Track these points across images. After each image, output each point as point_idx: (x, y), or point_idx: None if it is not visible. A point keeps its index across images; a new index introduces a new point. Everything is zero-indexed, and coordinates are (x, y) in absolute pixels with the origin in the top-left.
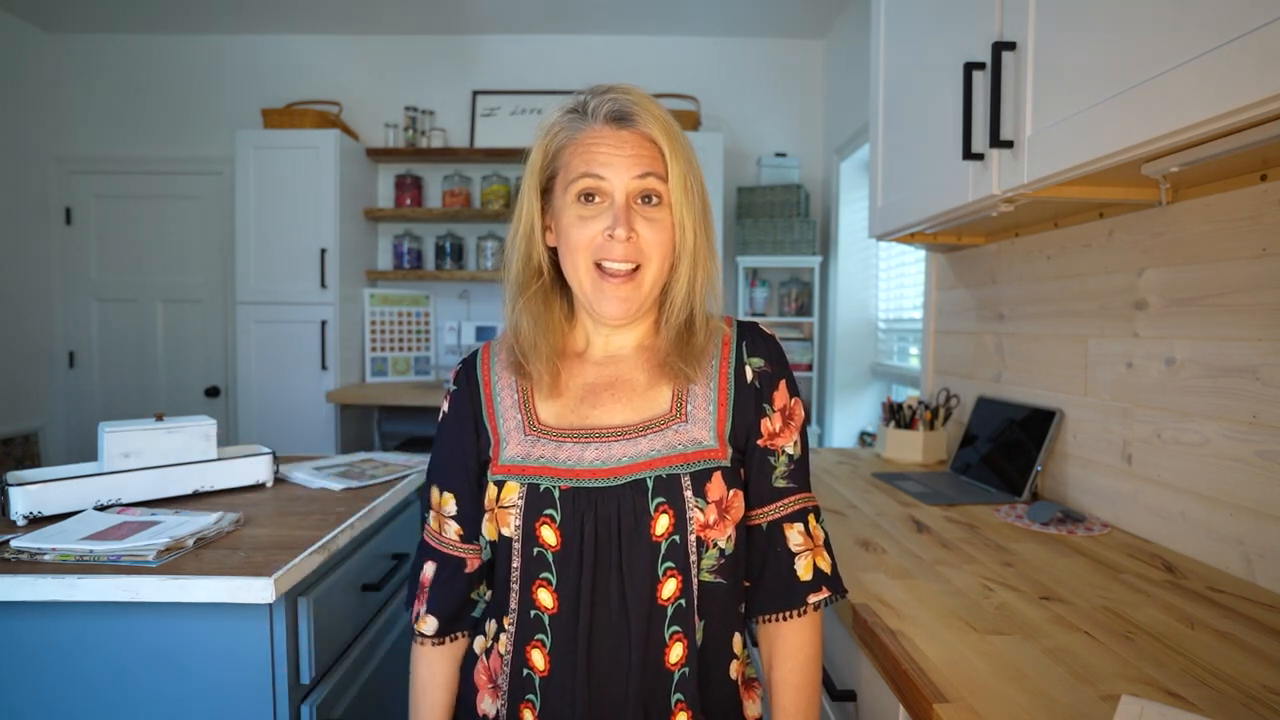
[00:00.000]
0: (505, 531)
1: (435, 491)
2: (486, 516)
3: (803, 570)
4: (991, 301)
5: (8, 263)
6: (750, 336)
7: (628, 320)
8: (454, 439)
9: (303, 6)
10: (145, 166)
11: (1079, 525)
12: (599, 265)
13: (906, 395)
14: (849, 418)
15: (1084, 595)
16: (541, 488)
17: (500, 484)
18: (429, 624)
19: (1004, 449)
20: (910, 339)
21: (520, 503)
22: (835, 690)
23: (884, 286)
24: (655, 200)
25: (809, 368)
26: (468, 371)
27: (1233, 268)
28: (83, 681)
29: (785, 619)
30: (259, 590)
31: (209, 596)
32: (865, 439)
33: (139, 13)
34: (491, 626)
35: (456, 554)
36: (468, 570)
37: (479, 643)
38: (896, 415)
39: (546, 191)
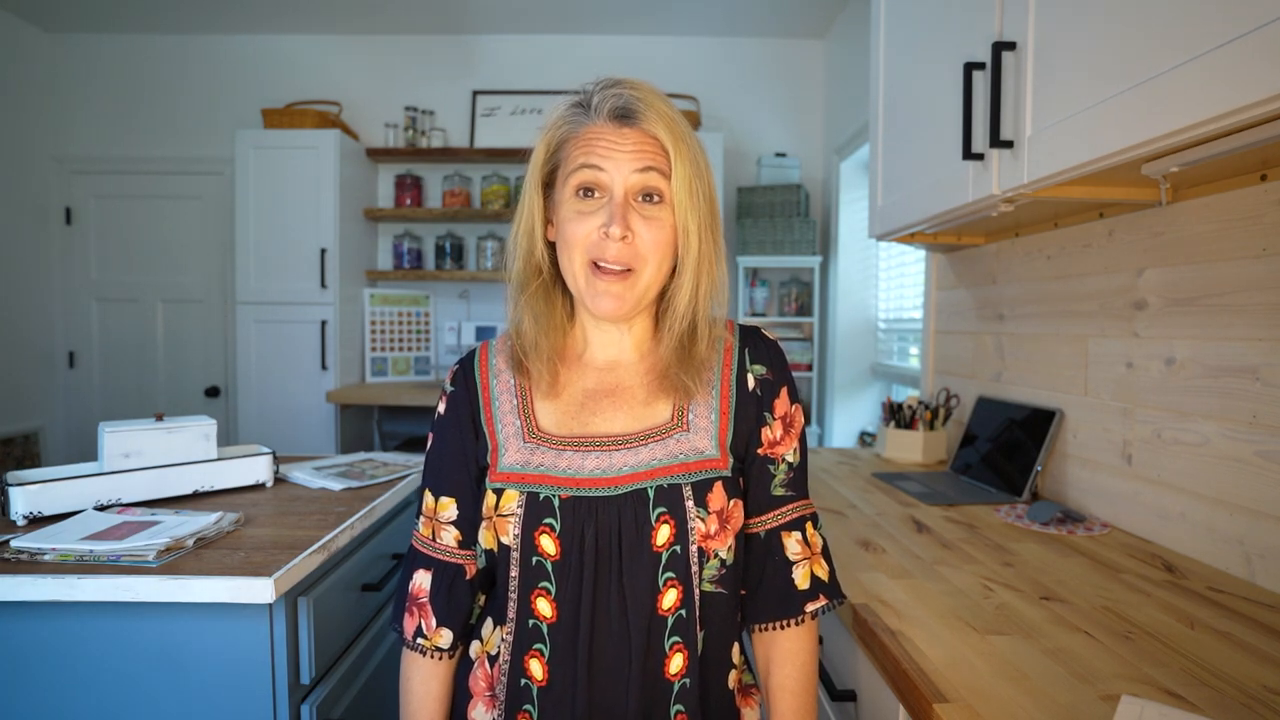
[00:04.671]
0: (504, 540)
1: (430, 496)
2: (484, 524)
3: (800, 579)
4: (991, 301)
5: (8, 263)
6: (753, 342)
7: (621, 317)
8: (453, 441)
9: (303, 6)
10: (145, 166)
11: (1079, 525)
12: (594, 263)
13: (906, 395)
14: (849, 418)
15: (1084, 595)
16: (541, 496)
17: (499, 492)
18: (444, 637)
19: (1004, 449)
20: (910, 339)
21: (520, 511)
22: (835, 690)
23: (884, 286)
24: (656, 199)
25: (809, 368)
26: (465, 372)
27: (1233, 268)
28: (83, 681)
29: (783, 628)
30: (259, 590)
31: (209, 596)
32: (865, 439)
33: (138, 13)
34: (490, 633)
35: (454, 561)
36: (468, 578)
37: (475, 648)
38: (896, 415)
39: (549, 186)
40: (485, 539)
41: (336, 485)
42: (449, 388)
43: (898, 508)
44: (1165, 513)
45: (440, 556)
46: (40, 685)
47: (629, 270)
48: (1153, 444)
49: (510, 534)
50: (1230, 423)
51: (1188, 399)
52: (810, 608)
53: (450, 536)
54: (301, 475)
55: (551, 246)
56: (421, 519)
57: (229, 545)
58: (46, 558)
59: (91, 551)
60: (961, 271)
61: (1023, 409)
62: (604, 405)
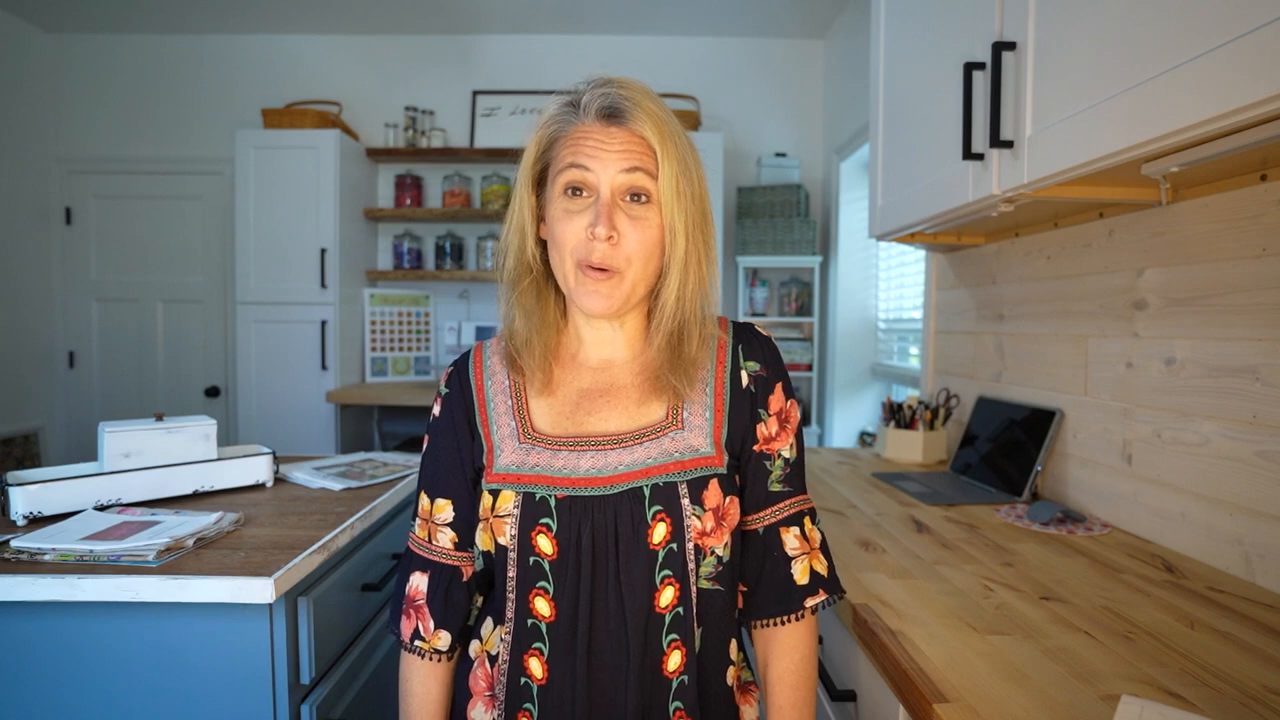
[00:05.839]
0: (501, 541)
1: (426, 499)
2: (481, 526)
3: (799, 574)
4: (991, 301)
5: (8, 263)
6: (746, 339)
7: (610, 314)
8: (448, 443)
9: (303, 6)
10: (145, 166)
11: (1079, 525)
12: (583, 264)
13: (906, 395)
14: (849, 418)
15: (1084, 595)
16: (538, 496)
17: (495, 493)
18: (442, 639)
19: (1004, 449)
20: (910, 339)
21: (516, 512)
22: (835, 690)
23: (884, 286)
24: (644, 199)
25: (809, 368)
26: (459, 374)
27: (1233, 268)
28: (83, 682)
29: (783, 623)
30: (259, 590)
31: (209, 596)
32: (865, 439)
33: (139, 13)
34: (490, 633)
35: (450, 563)
36: (464, 579)
37: (474, 647)
38: (896, 415)
39: (540, 185)
40: (482, 540)
41: (336, 485)
42: (443, 390)
43: (898, 508)
44: (1165, 513)
45: (436, 558)
46: (40, 685)
47: (616, 271)
48: (1153, 444)
49: (507, 534)
50: (1230, 423)
51: (1188, 399)
52: (810, 603)
53: (446, 538)
54: (301, 475)
55: (543, 244)
56: (417, 521)
57: (229, 545)
58: (46, 558)
59: (91, 551)
60: (961, 271)
61: (1023, 409)
62: (598, 405)
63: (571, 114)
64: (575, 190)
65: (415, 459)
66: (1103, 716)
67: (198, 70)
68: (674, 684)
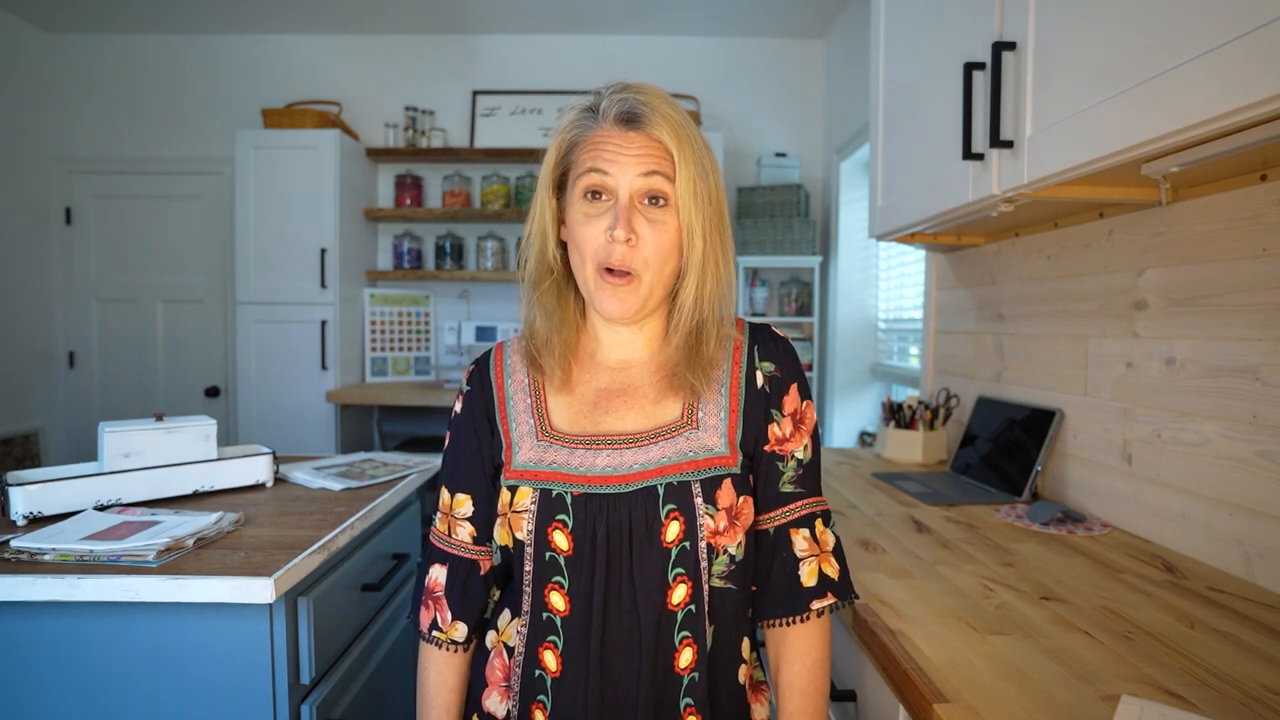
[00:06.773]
0: (518, 536)
1: (447, 493)
2: (499, 521)
3: (807, 576)
4: (991, 301)
5: (8, 263)
6: (762, 340)
7: (628, 319)
8: (468, 440)
9: (303, 6)
10: (145, 166)
11: (1079, 525)
12: (603, 267)
13: (906, 395)
14: (849, 418)
15: (1084, 595)
16: (554, 493)
17: (513, 489)
18: (459, 630)
19: (1004, 449)
20: (910, 339)
21: (533, 508)
22: (835, 690)
23: (884, 286)
24: (661, 202)
25: (809, 368)
26: (480, 372)
27: (1233, 268)
28: (83, 681)
29: (790, 624)
30: (259, 590)
31: (209, 596)
32: (865, 439)
33: (138, 13)
34: (507, 624)
35: (469, 556)
36: (482, 573)
37: (491, 638)
38: (896, 415)
39: (561, 188)
40: (500, 535)
41: (336, 485)
42: (465, 387)
43: (898, 508)
44: (1165, 513)
45: (455, 552)
46: (40, 685)
47: (634, 274)
48: (1153, 444)
49: (524, 529)
50: (1230, 423)
51: (1188, 399)
52: (816, 605)
53: (465, 532)
54: (301, 475)
55: (564, 246)
56: (438, 515)
57: (229, 545)
58: (46, 558)
59: (91, 551)
60: (961, 271)
61: (1023, 409)
62: (616, 404)
63: (590, 119)
64: (594, 194)
65: (415, 459)
66: (1103, 716)
67: (198, 70)
68: (685, 681)
